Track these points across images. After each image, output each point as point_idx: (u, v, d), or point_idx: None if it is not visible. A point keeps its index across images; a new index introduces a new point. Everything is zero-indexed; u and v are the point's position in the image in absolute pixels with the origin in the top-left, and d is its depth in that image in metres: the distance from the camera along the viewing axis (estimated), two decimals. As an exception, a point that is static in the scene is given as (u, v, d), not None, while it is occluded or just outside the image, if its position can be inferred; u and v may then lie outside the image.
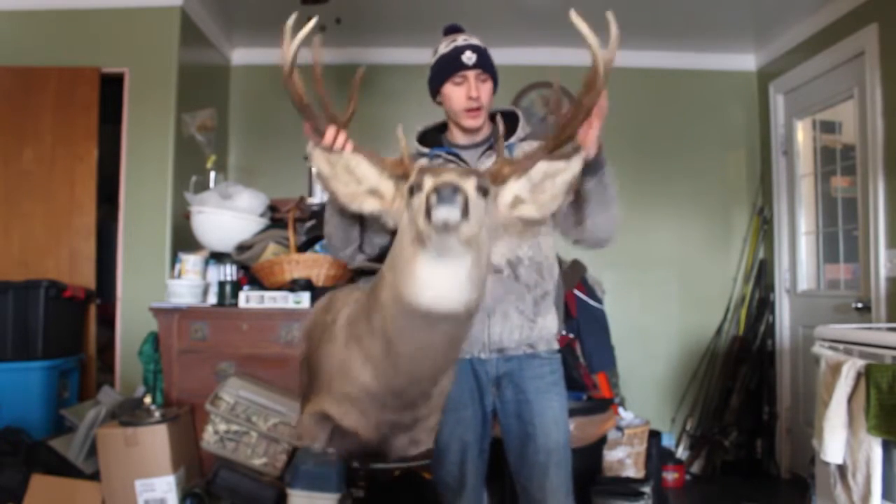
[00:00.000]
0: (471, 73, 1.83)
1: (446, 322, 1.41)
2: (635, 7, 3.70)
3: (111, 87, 3.51)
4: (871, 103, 3.26)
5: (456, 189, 1.28)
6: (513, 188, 1.50)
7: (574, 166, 1.49)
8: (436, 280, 1.37)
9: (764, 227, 4.27)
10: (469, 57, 1.82)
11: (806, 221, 4.00)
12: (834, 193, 3.82)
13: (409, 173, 1.44)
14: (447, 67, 1.85)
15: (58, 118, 3.40)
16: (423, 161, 1.92)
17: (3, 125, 3.38)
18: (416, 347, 1.44)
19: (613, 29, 1.44)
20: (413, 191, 1.38)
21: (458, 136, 1.94)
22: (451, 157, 1.90)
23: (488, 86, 1.86)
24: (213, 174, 3.35)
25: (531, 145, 1.89)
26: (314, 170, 1.51)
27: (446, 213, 1.27)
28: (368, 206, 1.51)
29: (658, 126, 4.34)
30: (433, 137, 1.97)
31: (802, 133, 4.04)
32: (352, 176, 1.51)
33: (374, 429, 1.59)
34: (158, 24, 3.53)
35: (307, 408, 1.69)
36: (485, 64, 1.84)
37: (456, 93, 1.85)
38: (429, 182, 1.33)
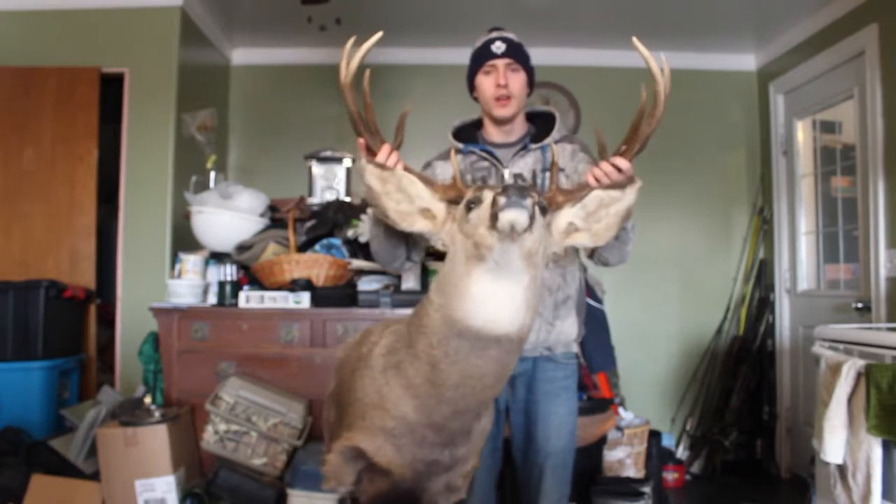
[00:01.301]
0: (500, 62, 1.85)
1: (498, 346, 1.36)
2: (635, 7, 3.71)
3: (111, 87, 3.51)
4: (871, 103, 3.26)
5: (525, 192, 1.25)
6: (567, 215, 1.48)
7: (629, 196, 1.49)
8: (492, 298, 1.33)
9: (764, 227, 4.27)
10: (498, 46, 1.85)
11: (806, 221, 4.00)
12: (834, 193, 3.82)
13: (464, 195, 1.41)
14: (478, 58, 1.88)
15: (58, 118, 3.40)
16: (458, 157, 1.91)
17: (3, 125, 3.38)
18: (463, 375, 1.38)
19: (665, 67, 1.49)
20: (471, 206, 1.35)
21: (492, 133, 1.94)
22: (484, 155, 1.90)
23: (519, 76, 1.87)
24: (213, 174, 3.35)
25: (564, 148, 1.89)
26: (364, 185, 1.49)
27: (515, 215, 1.24)
28: (420, 225, 1.48)
29: (658, 126, 4.34)
30: (468, 133, 1.97)
31: (802, 133, 4.04)
32: (403, 194, 1.48)
33: (410, 467, 1.51)
34: (158, 24, 3.53)
35: (336, 444, 1.57)
36: (515, 53, 1.86)
37: (486, 82, 1.87)
38: (489, 194, 1.30)
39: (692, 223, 4.37)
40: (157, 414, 2.69)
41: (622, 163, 1.55)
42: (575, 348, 1.96)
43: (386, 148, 1.54)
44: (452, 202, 1.46)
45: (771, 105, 4.18)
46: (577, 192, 1.50)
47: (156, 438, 2.61)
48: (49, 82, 3.41)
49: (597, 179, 1.54)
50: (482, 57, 1.87)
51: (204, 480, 2.72)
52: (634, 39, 1.48)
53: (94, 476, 2.65)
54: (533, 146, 1.89)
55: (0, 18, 3.50)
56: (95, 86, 3.45)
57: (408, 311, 1.58)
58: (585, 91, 4.27)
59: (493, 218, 1.25)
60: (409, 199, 1.48)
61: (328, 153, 3.38)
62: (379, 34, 1.47)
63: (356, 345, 1.72)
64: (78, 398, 3.26)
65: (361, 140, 1.55)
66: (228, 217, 3.09)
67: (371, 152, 1.55)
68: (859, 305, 3.34)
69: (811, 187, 3.99)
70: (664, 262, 4.33)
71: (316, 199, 3.35)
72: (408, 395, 1.44)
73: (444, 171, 1.91)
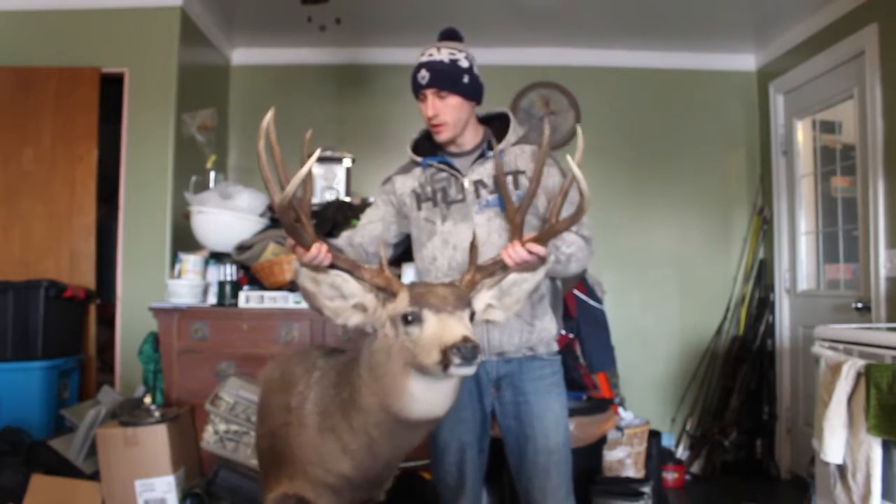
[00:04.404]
0: (427, 92, 1.84)
1: (429, 425, 1.56)
2: (636, 7, 3.71)
3: (111, 87, 3.51)
4: (871, 103, 3.26)
5: (476, 349, 1.36)
6: (486, 297, 1.63)
7: (538, 276, 1.65)
8: (428, 396, 1.47)
9: (764, 227, 4.27)
10: (423, 76, 1.83)
11: (806, 221, 4.00)
12: (834, 193, 3.82)
13: (393, 288, 1.52)
14: (412, 86, 1.89)
15: (58, 118, 3.41)
16: (418, 170, 1.95)
17: (3, 125, 3.38)
18: (398, 446, 1.58)
19: (584, 187, 1.58)
20: (409, 319, 1.44)
21: (448, 145, 1.95)
22: (442, 166, 1.92)
23: (449, 101, 1.84)
24: (213, 174, 3.35)
25: (523, 149, 1.90)
26: (299, 288, 1.59)
27: (468, 371, 1.37)
28: (354, 319, 1.57)
29: (658, 126, 4.35)
30: (425, 145, 1.98)
31: (802, 133, 4.04)
32: (336, 291, 1.56)
33: None
34: (158, 24, 3.53)
35: (279, 489, 1.72)
36: (439, 81, 1.82)
37: (422, 109, 1.88)
38: (431, 319, 1.42)
39: (692, 223, 4.37)
40: (156, 414, 2.69)
41: (539, 249, 1.62)
42: (556, 347, 1.97)
43: (315, 246, 1.57)
44: (380, 290, 1.54)
45: (771, 105, 4.18)
46: (492, 267, 1.62)
47: (156, 438, 2.61)
48: (49, 82, 3.41)
49: (512, 259, 1.63)
50: (413, 86, 1.88)
51: (204, 480, 2.72)
52: (568, 157, 1.61)
53: (94, 476, 2.65)
54: (490, 153, 1.90)
55: (0, 18, 3.50)
56: (95, 86, 3.45)
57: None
58: (585, 91, 4.27)
59: (445, 366, 1.36)
60: (343, 297, 1.56)
61: (328, 153, 3.38)
62: (317, 153, 1.59)
63: (280, 390, 1.77)
64: (78, 398, 3.27)
65: (291, 241, 1.60)
66: (228, 217, 3.09)
67: (302, 248, 1.59)
68: (859, 305, 3.34)
69: (811, 187, 3.99)
70: (664, 262, 4.33)
71: (316, 199, 3.35)
72: (345, 458, 1.60)
73: (404, 185, 1.97)
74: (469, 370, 1.37)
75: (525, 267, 1.63)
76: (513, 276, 1.63)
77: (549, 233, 1.64)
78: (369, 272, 1.55)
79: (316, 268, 1.55)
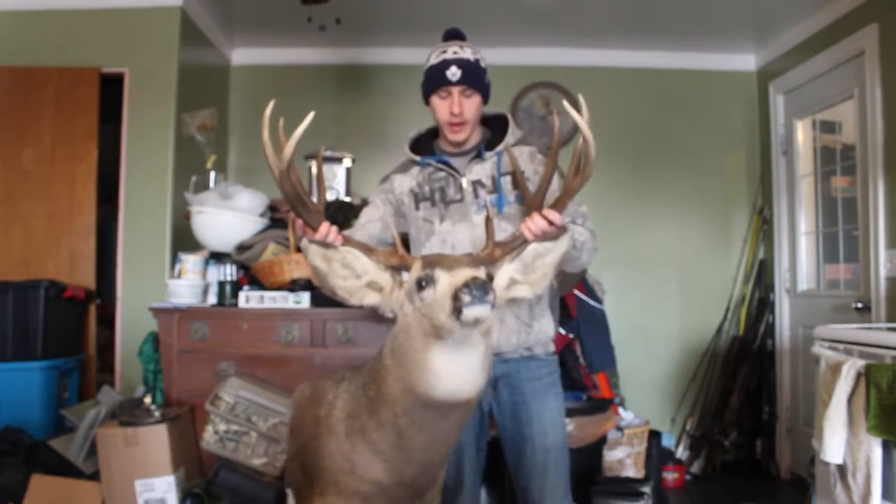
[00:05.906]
0: (455, 89, 1.82)
1: (460, 409, 1.43)
2: (635, 7, 3.71)
3: (111, 87, 3.51)
4: (871, 103, 3.26)
5: (486, 286, 1.28)
6: (508, 271, 1.53)
7: (562, 246, 1.55)
8: (453, 371, 1.37)
9: (764, 227, 4.27)
10: (454, 73, 1.82)
11: (806, 221, 4.00)
12: (834, 193, 3.82)
13: (407, 263, 1.45)
14: (433, 81, 1.86)
15: (58, 118, 3.41)
16: (416, 169, 1.94)
17: (3, 125, 3.38)
18: (429, 439, 1.46)
19: (589, 136, 1.55)
20: (423, 284, 1.37)
21: (447, 144, 1.95)
22: (441, 165, 1.91)
23: (474, 100, 1.85)
24: (213, 174, 3.34)
25: (521, 150, 1.90)
26: (310, 266, 1.50)
27: (480, 311, 1.27)
28: (369, 299, 1.49)
29: (658, 126, 4.35)
30: (424, 143, 1.98)
31: (802, 133, 4.04)
32: (349, 270, 1.49)
33: None
34: (158, 24, 3.53)
35: None
36: (470, 79, 1.82)
37: (441, 106, 1.86)
38: (443, 276, 1.34)
39: (692, 223, 4.37)
40: (156, 414, 2.69)
41: (555, 217, 1.58)
42: (552, 348, 1.97)
43: (325, 225, 1.52)
44: (395, 269, 1.48)
45: (771, 105, 4.18)
46: (513, 243, 1.54)
47: (156, 438, 2.61)
48: (49, 82, 3.41)
49: (531, 231, 1.58)
50: (437, 81, 1.83)
51: (204, 480, 2.72)
52: (565, 103, 1.59)
53: (94, 476, 2.65)
54: (488, 154, 1.90)
55: (0, 18, 3.50)
56: (95, 86, 3.45)
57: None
58: (585, 91, 4.22)
59: (457, 311, 1.27)
60: (356, 275, 1.49)
61: (328, 153, 3.37)
62: (311, 115, 1.49)
63: (309, 405, 1.72)
64: (78, 398, 3.26)
65: (299, 222, 1.54)
66: (228, 217, 3.09)
67: (309, 229, 1.53)
68: (859, 305, 3.34)
69: (811, 187, 3.99)
70: (664, 262, 4.34)
71: (314, 199, 3.33)
72: (377, 460, 1.50)
73: (402, 184, 1.95)
74: (481, 309, 1.26)
75: (545, 238, 1.56)
76: (534, 247, 1.54)
77: (564, 196, 1.59)
78: (384, 253, 1.50)
79: (325, 244, 1.48)
